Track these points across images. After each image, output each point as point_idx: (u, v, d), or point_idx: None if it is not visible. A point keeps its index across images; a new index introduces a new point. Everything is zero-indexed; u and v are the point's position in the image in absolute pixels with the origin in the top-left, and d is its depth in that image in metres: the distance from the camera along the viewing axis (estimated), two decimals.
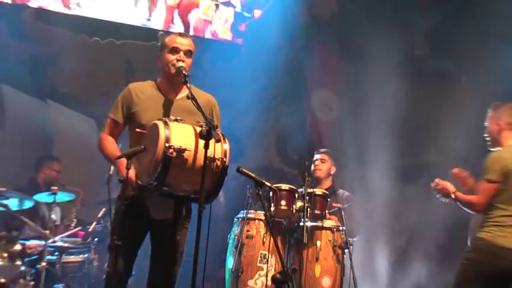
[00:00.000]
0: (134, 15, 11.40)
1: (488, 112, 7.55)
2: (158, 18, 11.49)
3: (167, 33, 7.56)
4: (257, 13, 11.95)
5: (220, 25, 11.74)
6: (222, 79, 8.88)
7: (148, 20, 11.47)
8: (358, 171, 11.97)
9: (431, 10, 12.01)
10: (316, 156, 9.03)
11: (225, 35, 11.77)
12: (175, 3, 11.54)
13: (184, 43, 6.52)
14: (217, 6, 11.79)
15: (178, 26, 11.33)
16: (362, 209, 9.52)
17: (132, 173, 6.08)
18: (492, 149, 7.47)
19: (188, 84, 6.27)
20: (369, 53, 11.22)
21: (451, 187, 7.43)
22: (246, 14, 11.90)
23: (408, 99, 11.31)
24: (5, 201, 8.38)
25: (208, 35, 11.58)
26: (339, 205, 8.38)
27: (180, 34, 6.76)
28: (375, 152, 12.11)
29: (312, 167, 8.91)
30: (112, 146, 6.49)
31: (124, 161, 6.10)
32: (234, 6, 11.88)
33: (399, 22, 11.53)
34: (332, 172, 9.04)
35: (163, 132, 5.86)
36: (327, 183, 8.90)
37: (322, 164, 8.96)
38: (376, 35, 11.10)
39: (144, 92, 6.49)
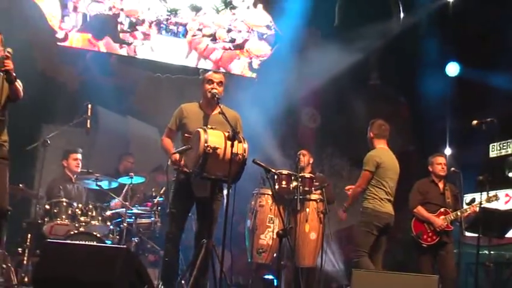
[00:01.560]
0: (184, 59, 11.41)
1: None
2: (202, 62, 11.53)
3: (206, 70, 7.59)
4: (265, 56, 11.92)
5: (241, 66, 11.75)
6: (242, 102, 8.88)
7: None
8: (332, 161, 12.00)
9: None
10: (303, 152, 9.03)
11: (245, 72, 11.76)
12: (216, 59, 11.55)
13: (217, 77, 6.63)
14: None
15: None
16: (334, 188, 9.49)
17: (183, 160, 6.27)
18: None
19: (219, 104, 6.37)
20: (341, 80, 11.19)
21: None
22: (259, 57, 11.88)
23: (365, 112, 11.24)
24: (99, 183, 8.44)
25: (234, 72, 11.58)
26: (318, 184, 8.37)
27: (214, 71, 6.89)
28: (342, 148, 12.12)
29: (300, 159, 8.91)
30: (169, 145, 6.59)
31: (177, 155, 6.21)
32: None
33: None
34: (310, 162, 9.04)
35: (203, 136, 5.96)
36: (308, 169, 8.90)
37: (303, 157, 8.94)
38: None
39: (191, 109, 6.61)
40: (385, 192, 7.82)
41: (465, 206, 8.59)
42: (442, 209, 8.46)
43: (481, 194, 7.69)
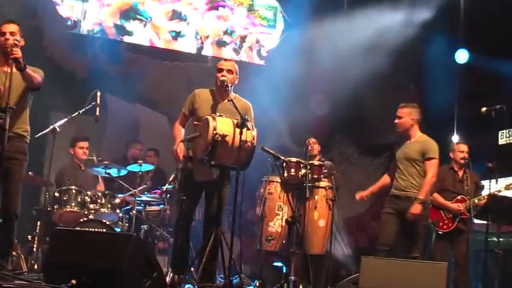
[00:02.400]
0: (193, 46, 11.39)
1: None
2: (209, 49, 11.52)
3: (215, 58, 7.60)
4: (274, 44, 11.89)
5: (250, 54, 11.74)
6: (253, 89, 8.85)
7: (202, 48, 11.47)
8: (340, 148, 11.97)
9: None
10: (312, 140, 9.01)
11: (254, 59, 11.73)
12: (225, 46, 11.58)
13: (226, 64, 6.62)
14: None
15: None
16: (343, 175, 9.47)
17: (182, 152, 6.39)
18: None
19: (230, 92, 6.39)
20: (348, 69, 11.14)
21: None
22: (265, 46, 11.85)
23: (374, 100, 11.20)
24: (108, 170, 8.44)
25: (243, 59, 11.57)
26: (326, 171, 8.35)
27: (224, 59, 6.91)
28: (350, 136, 12.09)
29: (309, 148, 8.88)
30: (178, 131, 6.61)
31: (181, 145, 6.21)
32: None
33: None
34: (319, 149, 9.03)
35: (212, 123, 5.96)
36: (318, 156, 8.88)
37: (314, 145, 8.94)
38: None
39: (203, 96, 6.65)
40: None
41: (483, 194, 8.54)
42: (459, 197, 8.40)
43: (490, 182, 7.64)
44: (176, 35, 11.31)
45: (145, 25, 11.10)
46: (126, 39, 11.02)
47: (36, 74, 6.00)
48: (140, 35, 11.08)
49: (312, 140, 9.03)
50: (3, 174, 5.77)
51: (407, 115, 7.66)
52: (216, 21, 11.64)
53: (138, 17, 11.06)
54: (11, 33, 5.90)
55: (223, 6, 11.79)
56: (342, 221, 8.48)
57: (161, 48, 11.20)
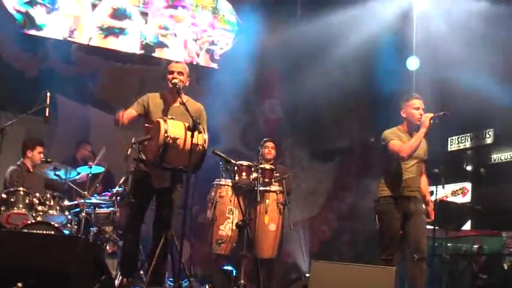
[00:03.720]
0: (145, 48, 11.35)
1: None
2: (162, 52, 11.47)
3: (168, 61, 7.56)
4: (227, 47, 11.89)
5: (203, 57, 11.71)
6: (205, 91, 8.86)
7: (153, 52, 11.42)
8: (292, 152, 12.03)
9: None
10: (269, 144, 8.99)
11: (207, 63, 11.71)
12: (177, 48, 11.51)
13: (177, 66, 6.61)
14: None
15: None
16: (295, 179, 9.50)
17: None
18: None
19: (181, 95, 6.38)
20: (301, 73, 11.21)
21: None
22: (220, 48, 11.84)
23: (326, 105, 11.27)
24: (58, 172, 8.36)
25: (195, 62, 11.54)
26: (278, 175, 8.38)
27: (175, 61, 6.88)
28: (302, 140, 12.15)
29: (266, 151, 8.89)
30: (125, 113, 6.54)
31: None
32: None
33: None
34: (274, 155, 9.04)
35: (163, 126, 5.95)
36: (272, 161, 8.89)
37: (272, 149, 8.96)
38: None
39: (154, 99, 6.60)
40: None
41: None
42: None
43: (437, 187, 7.74)
44: (119, 32, 11.21)
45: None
46: (78, 39, 10.90)
47: None
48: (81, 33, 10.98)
49: (271, 144, 9.03)
50: None
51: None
52: (170, 21, 11.60)
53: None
54: None
55: (183, 7, 11.77)
56: (297, 223, 8.50)
57: (113, 49, 11.10)
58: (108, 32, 11.08)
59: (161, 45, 11.47)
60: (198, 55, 11.70)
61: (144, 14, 11.38)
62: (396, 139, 6.91)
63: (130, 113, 6.57)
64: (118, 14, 11.22)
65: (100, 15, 11.07)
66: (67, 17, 10.80)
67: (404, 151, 6.82)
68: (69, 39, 10.78)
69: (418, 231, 6.88)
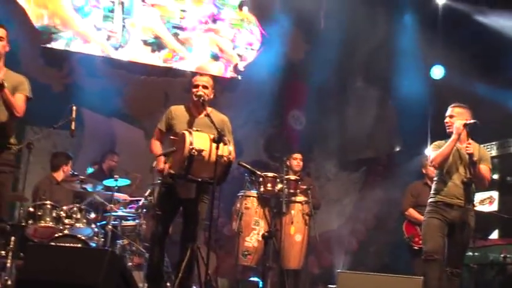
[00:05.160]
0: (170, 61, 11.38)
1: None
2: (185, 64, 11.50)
3: (192, 73, 7.60)
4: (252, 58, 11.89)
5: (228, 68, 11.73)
6: (230, 103, 8.86)
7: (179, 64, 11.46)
8: (318, 163, 11.99)
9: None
10: (297, 156, 8.97)
11: (231, 74, 11.72)
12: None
13: (202, 80, 6.61)
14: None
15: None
16: (321, 190, 9.47)
17: (166, 166, 6.14)
18: None
19: (206, 107, 6.39)
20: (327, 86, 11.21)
21: None
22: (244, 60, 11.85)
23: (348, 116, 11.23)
24: (84, 185, 8.39)
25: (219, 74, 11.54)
26: (305, 187, 8.38)
27: (200, 74, 6.90)
28: (328, 150, 12.10)
29: (295, 163, 8.89)
30: (156, 147, 6.56)
31: (162, 158, 6.22)
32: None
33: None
34: (302, 166, 9.03)
35: (188, 138, 5.95)
36: (298, 172, 8.88)
37: (300, 161, 8.96)
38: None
39: (179, 112, 6.61)
40: None
41: None
42: None
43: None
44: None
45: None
46: (104, 54, 10.97)
47: (19, 103, 5.83)
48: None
49: (299, 155, 9.02)
50: None
51: (460, 115, 6.84)
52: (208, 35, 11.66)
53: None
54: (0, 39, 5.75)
55: (223, 20, 11.86)
56: (318, 235, 8.47)
57: (138, 62, 11.15)
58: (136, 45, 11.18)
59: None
60: (222, 67, 11.72)
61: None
62: (437, 150, 6.82)
63: (160, 137, 6.69)
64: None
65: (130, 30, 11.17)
66: (94, 31, 10.90)
67: (433, 160, 6.77)
68: (95, 53, 10.85)
69: None
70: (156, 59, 11.28)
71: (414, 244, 8.47)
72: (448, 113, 6.90)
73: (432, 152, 6.81)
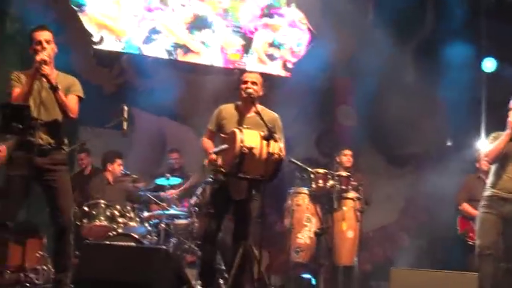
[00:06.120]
0: (219, 60, 11.40)
1: None
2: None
3: (241, 71, 7.61)
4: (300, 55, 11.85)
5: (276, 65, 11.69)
6: (279, 100, 8.83)
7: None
8: (368, 159, 11.89)
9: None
10: (347, 152, 8.98)
11: (280, 72, 11.68)
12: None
13: (251, 76, 6.61)
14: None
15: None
16: (371, 186, 9.38)
17: (220, 160, 6.21)
18: None
19: (255, 104, 6.39)
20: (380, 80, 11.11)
21: None
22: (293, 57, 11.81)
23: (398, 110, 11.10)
24: (137, 184, 8.47)
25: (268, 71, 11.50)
26: (355, 183, 8.34)
27: (249, 71, 6.91)
28: (378, 146, 12.01)
29: (345, 159, 8.89)
30: (208, 145, 6.57)
31: (213, 155, 6.24)
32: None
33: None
34: (352, 162, 9.01)
35: (239, 136, 5.95)
36: (349, 169, 8.85)
37: (351, 157, 8.94)
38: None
39: (229, 110, 6.61)
40: None
41: None
42: None
43: None
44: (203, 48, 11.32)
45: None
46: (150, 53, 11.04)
47: (73, 104, 5.83)
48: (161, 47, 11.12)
49: (349, 152, 9.02)
50: (48, 190, 5.74)
51: None
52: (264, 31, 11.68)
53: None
54: (47, 42, 5.74)
55: (280, 15, 11.83)
56: (371, 231, 8.43)
57: (187, 61, 11.19)
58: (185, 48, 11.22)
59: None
60: (271, 64, 11.69)
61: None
62: (493, 142, 6.68)
63: (211, 137, 6.71)
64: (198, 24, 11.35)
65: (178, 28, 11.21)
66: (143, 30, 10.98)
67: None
68: (145, 53, 10.94)
69: None
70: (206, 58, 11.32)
71: (469, 239, 8.35)
72: (510, 105, 6.69)
73: (489, 144, 6.71)
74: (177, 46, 11.13)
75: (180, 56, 11.15)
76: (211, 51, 11.32)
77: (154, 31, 11.00)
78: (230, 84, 10.29)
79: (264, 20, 11.66)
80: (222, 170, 6.28)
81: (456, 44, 11.17)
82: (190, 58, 11.23)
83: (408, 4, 11.10)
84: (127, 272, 4.89)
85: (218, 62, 11.39)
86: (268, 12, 11.69)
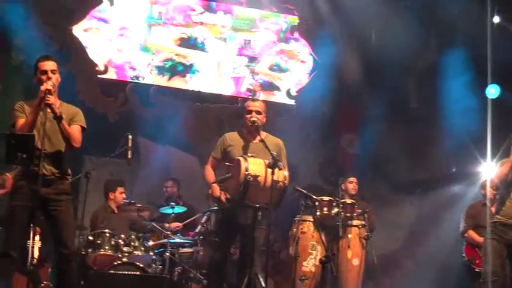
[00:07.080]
0: (223, 88, 11.42)
1: None
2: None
3: (245, 99, 7.64)
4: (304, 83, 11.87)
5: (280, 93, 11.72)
6: (282, 128, 8.84)
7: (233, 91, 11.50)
8: (372, 186, 11.86)
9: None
10: (353, 180, 8.97)
11: (284, 100, 11.70)
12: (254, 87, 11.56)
13: (255, 105, 6.63)
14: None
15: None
16: (376, 213, 9.37)
17: (222, 194, 6.17)
18: None
19: (260, 132, 6.41)
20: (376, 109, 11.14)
21: None
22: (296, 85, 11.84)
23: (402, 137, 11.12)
24: (141, 213, 8.46)
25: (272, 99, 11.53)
26: (360, 211, 8.32)
27: (252, 99, 6.93)
28: (382, 173, 11.99)
29: (351, 186, 8.88)
30: (210, 174, 6.58)
31: (216, 185, 6.24)
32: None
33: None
34: (357, 189, 9.00)
35: (243, 164, 5.97)
36: (354, 196, 8.84)
37: (356, 185, 8.94)
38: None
39: (233, 138, 6.64)
40: None
41: None
42: None
43: None
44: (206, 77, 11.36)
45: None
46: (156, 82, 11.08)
47: (76, 134, 5.83)
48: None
49: (354, 179, 9.02)
50: (51, 220, 5.74)
51: None
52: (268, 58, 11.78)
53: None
54: (53, 72, 5.75)
55: (296, 40, 11.92)
56: (376, 258, 8.39)
57: (191, 90, 11.22)
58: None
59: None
60: (275, 92, 11.72)
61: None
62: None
63: (214, 165, 6.72)
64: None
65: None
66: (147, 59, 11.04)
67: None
68: (147, 82, 10.98)
69: None
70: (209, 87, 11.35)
71: (475, 266, 8.31)
72: None
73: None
74: (180, 72, 11.18)
75: (184, 84, 11.18)
76: (214, 78, 11.38)
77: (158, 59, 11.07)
78: (233, 112, 10.35)
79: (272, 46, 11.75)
80: (223, 202, 6.31)
81: (459, 71, 11.22)
82: (193, 86, 11.25)
83: (412, 30, 11.13)
84: None
85: (223, 91, 11.43)
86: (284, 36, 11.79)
